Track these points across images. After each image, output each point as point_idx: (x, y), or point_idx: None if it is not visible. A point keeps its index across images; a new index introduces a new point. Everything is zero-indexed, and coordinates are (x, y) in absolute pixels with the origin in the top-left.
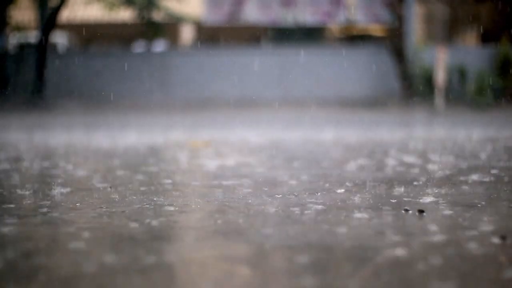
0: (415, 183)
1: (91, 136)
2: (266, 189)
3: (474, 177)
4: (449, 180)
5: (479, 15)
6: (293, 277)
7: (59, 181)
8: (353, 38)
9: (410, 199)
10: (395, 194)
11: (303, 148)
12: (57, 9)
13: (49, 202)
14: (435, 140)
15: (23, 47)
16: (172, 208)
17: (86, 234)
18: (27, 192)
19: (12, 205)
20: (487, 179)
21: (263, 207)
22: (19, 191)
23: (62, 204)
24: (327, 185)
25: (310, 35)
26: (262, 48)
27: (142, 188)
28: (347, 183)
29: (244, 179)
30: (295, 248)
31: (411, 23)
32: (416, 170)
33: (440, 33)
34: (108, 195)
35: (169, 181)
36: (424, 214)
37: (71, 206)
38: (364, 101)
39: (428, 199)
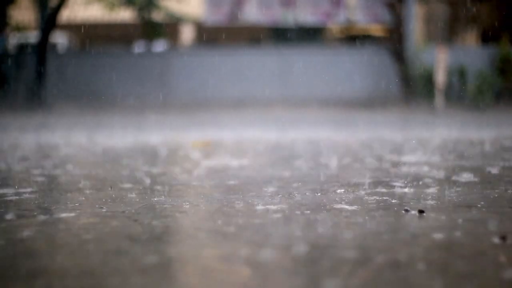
0: (415, 183)
1: (91, 136)
2: (266, 189)
3: (474, 177)
4: (449, 180)
5: (479, 15)
6: (293, 278)
7: (59, 181)
8: (353, 38)
9: (410, 199)
10: (395, 194)
11: (303, 148)
12: (57, 9)
13: (49, 202)
14: (435, 140)
15: (23, 47)
16: (172, 208)
17: (86, 234)
18: (27, 192)
19: (12, 205)
20: (487, 179)
21: (263, 207)
22: (18, 191)
23: (62, 204)
24: (327, 185)
25: (310, 35)
26: (262, 48)
27: (142, 188)
28: (347, 183)
29: (244, 179)
30: (295, 248)
31: (411, 23)
32: (416, 170)
33: (440, 33)
34: (108, 195)
35: (169, 181)
36: (424, 214)
37: (71, 206)
38: (364, 101)
39: (428, 199)
